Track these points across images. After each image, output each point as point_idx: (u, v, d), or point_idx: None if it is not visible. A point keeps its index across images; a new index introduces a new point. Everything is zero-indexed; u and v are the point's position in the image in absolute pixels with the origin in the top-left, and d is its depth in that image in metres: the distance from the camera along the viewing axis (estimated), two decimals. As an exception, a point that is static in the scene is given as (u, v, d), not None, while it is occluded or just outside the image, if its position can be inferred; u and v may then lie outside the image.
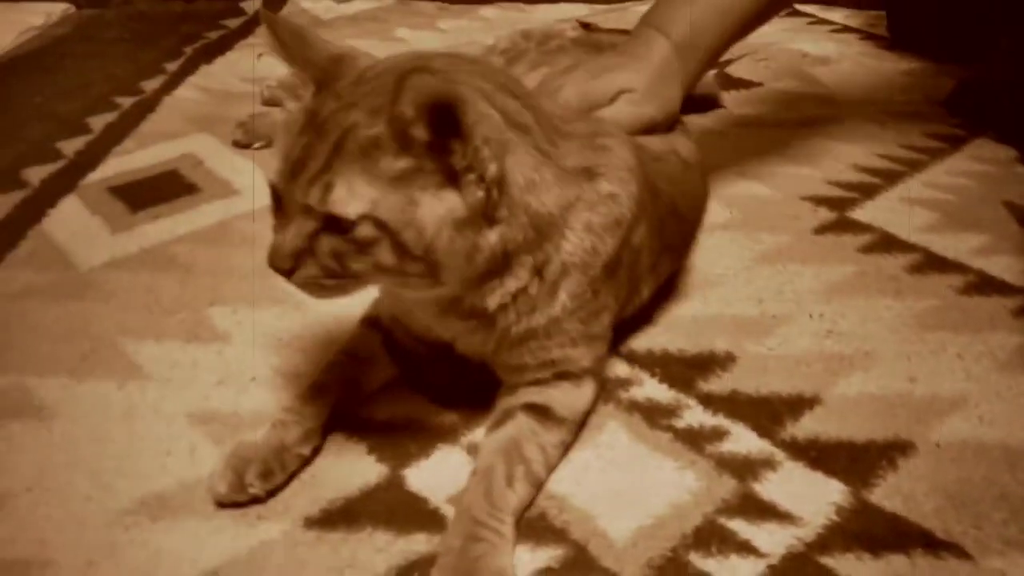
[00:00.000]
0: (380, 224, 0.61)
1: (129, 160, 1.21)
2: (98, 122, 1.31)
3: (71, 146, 1.24)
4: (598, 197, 0.72)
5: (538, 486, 0.70)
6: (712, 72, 1.35)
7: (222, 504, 0.68)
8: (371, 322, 0.81)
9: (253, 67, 1.51)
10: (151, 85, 1.44)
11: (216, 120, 1.31)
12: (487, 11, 1.84)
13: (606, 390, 0.80)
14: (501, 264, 0.68)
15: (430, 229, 0.62)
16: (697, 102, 1.27)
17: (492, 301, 0.69)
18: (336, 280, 0.64)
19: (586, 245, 0.71)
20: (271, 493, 0.69)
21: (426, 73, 0.59)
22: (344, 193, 0.60)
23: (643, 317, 0.88)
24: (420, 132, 0.60)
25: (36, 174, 1.16)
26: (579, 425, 0.75)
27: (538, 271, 0.70)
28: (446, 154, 0.61)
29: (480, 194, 0.63)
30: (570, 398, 0.75)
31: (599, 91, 0.87)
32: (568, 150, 0.71)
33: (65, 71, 1.51)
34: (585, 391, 0.76)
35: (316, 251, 0.62)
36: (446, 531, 0.66)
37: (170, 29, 1.69)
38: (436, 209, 0.62)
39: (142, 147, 1.24)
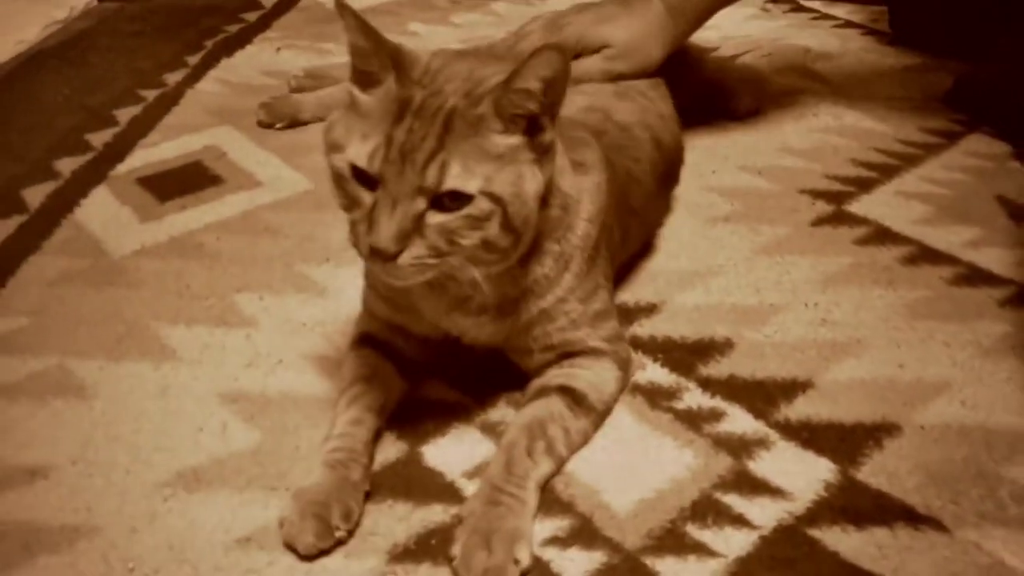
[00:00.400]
0: (495, 198, 0.66)
1: (155, 152, 1.26)
2: (124, 114, 1.36)
3: (99, 138, 1.29)
4: (592, 186, 0.79)
5: (559, 463, 0.74)
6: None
7: (308, 555, 0.67)
8: (364, 340, 0.83)
9: (276, 60, 1.56)
10: (174, 78, 1.48)
11: (238, 113, 1.36)
12: (498, 6, 1.88)
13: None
14: (533, 248, 0.74)
15: (531, 203, 0.68)
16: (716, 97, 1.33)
17: (514, 290, 0.75)
18: (434, 262, 0.66)
19: (586, 230, 0.78)
20: (350, 533, 0.69)
21: (555, 51, 0.65)
22: (461, 170, 0.64)
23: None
24: (533, 105, 0.66)
25: (67, 165, 1.21)
26: (604, 416, 0.79)
27: (558, 256, 0.76)
28: (539, 132, 0.68)
29: (551, 170, 0.71)
30: (599, 382, 0.79)
31: (592, 39, 1.00)
32: (565, 144, 0.78)
33: (90, 64, 1.55)
34: (608, 376, 0.80)
35: (424, 231, 0.65)
36: (470, 497, 0.71)
37: (190, 22, 1.73)
38: (533, 184, 0.69)
39: (167, 139, 1.29)
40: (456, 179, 0.65)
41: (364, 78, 0.68)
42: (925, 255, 1.03)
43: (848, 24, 1.75)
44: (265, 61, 1.57)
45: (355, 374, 0.79)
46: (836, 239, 1.07)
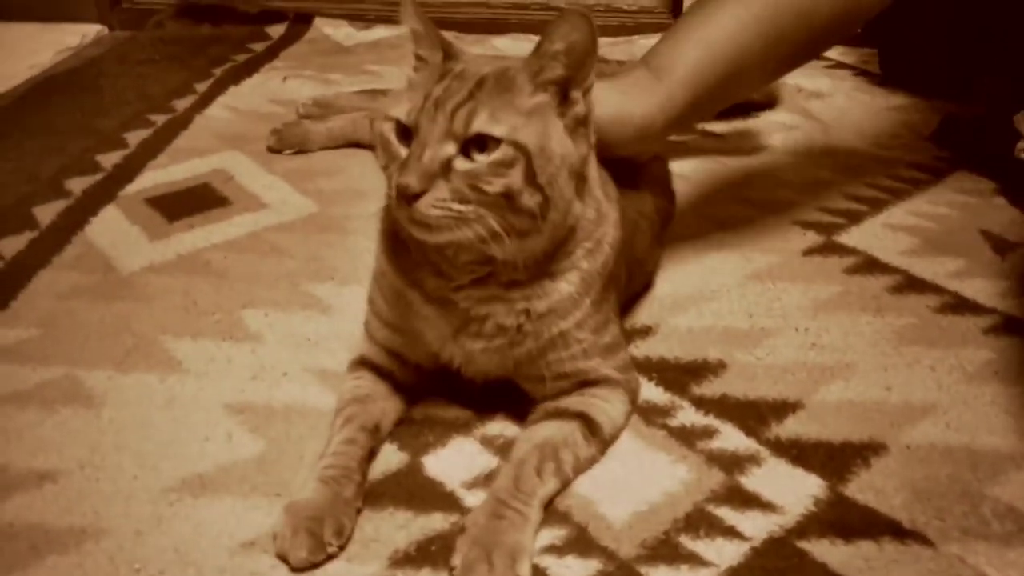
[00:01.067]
0: (519, 146, 0.69)
1: (164, 174, 1.29)
2: (134, 138, 1.39)
3: (109, 159, 1.32)
4: (615, 217, 0.82)
5: (564, 484, 0.76)
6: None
7: (300, 569, 0.68)
8: (362, 364, 0.84)
9: (282, 89, 1.60)
10: (183, 104, 1.52)
11: (245, 138, 1.40)
12: (500, 41, 1.93)
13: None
14: (564, 252, 0.77)
15: (556, 160, 0.71)
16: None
17: (541, 305, 0.77)
18: (458, 208, 0.68)
19: (608, 257, 0.80)
20: (342, 548, 0.70)
21: (579, 15, 0.69)
22: (488, 117, 0.69)
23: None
24: (559, 69, 0.71)
25: (78, 184, 1.24)
26: (610, 445, 0.81)
27: (585, 276, 0.78)
28: (570, 105, 0.73)
29: (585, 150, 0.74)
30: (615, 416, 0.81)
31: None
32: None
33: (101, 90, 1.59)
34: (621, 409, 0.82)
35: (450, 175, 0.68)
36: (474, 509, 0.73)
37: (199, 51, 1.77)
38: (561, 146, 0.72)
39: (176, 162, 1.33)
40: (483, 124, 0.68)
41: (418, 62, 0.76)
42: (912, 284, 1.06)
43: (839, 65, 1.80)
44: (272, 90, 1.61)
45: (351, 395, 0.81)
46: (826, 268, 1.10)
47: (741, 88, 1.02)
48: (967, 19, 1.55)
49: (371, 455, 0.78)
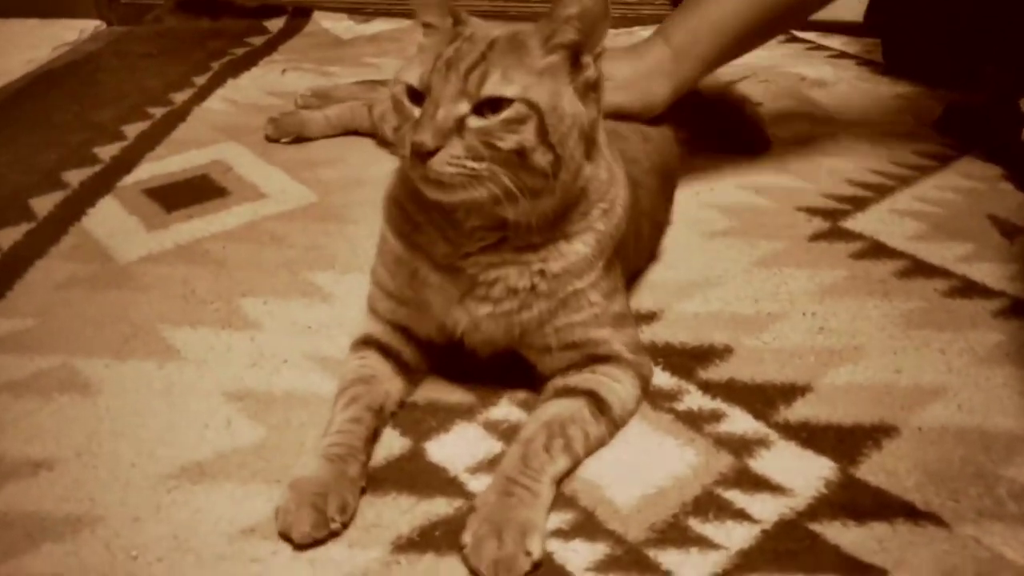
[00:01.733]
0: (531, 104, 0.70)
1: (162, 165, 1.28)
2: (132, 130, 1.38)
3: (107, 151, 1.31)
4: (622, 179, 0.82)
5: (575, 462, 0.75)
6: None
7: (303, 544, 0.67)
8: (365, 342, 0.84)
9: (281, 81, 1.59)
10: (181, 97, 1.51)
11: (244, 130, 1.38)
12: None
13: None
14: (579, 213, 0.77)
15: (567, 119, 0.72)
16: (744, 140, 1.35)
17: (556, 265, 0.76)
18: (472, 166, 0.69)
19: (620, 219, 0.80)
20: (345, 526, 0.69)
21: None
22: (500, 78, 0.69)
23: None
24: (572, 33, 0.72)
25: (76, 176, 1.23)
26: (619, 429, 0.80)
27: (600, 237, 0.78)
28: (581, 69, 0.73)
29: (595, 113, 0.75)
30: (625, 397, 0.79)
31: None
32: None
33: (99, 83, 1.58)
34: (633, 393, 0.81)
35: (464, 132, 0.69)
36: (483, 488, 0.71)
37: (198, 45, 1.76)
38: (572, 106, 0.73)
39: (174, 153, 1.31)
40: (495, 85, 0.69)
41: (427, 29, 0.76)
42: (919, 269, 1.05)
43: (842, 55, 1.79)
44: (271, 82, 1.60)
45: (355, 375, 0.81)
46: (832, 253, 1.08)
47: (740, 55, 1.15)
48: (969, 8, 1.54)
49: (375, 436, 0.77)
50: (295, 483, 0.70)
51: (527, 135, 0.70)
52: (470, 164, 0.69)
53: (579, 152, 0.74)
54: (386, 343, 0.83)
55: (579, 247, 0.78)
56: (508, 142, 0.69)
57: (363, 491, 0.72)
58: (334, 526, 0.68)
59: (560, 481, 0.73)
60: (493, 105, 0.69)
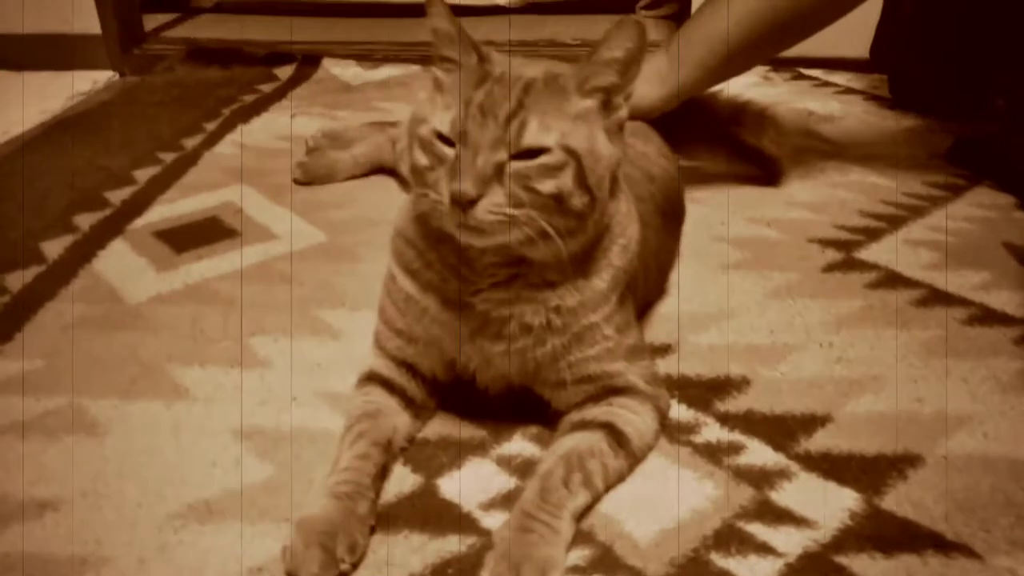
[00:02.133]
0: (570, 151, 0.69)
1: (172, 208, 1.28)
2: (143, 175, 1.39)
3: (118, 195, 1.31)
4: (635, 215, 0.82)
5: (595, 497, 0.73)
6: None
7: None
8: (371, 379, 0.83)
9: (290, 125, 1.61)
10: (192, 142, 1.52)
11: (254, 173, 1.39)
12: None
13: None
14: (601, 249, 0.77)
15: (603, 162, 0.71)
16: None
17: (572, 300, 0.75)
18: (512, 212, 0.68)
19: (633, 254, 0.79)
20: (354, 567, 0.67)
21: (637, 24, 0.70)
22: (538, 126, 0.68)
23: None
24: (612, 76, 0.71)
25: (86, 220, 1.23)
26: (638, 463, 0.78)
27: (616, 273, 0.77)
28: (613, 110, 0.73)
29: (621, 152, 0.74)
30: (644, 430, 0.78)
31: None
32: None
33: (111, 130, 1.60)
34: (651, 426, 0.79)
35: (503, 178, 0.68)
36: (501, 524, 0.69)
37: (208, 93, 1.78)
38: (606, 148, 0.73)
39: (184, 196, 1.32)
40: (535, 135, 0.68)
41: (446, 64, 0.74)
42: (937, 298, 1.04)
43: (849, 90, 1.79)
44: (281, 127, 1.61)
45: (360, 411, 0.79)
46: (847, 284, 1.07)
47: (743, 69, 1.23)
48: (975, 42, 1.54)
49: (384, 472, 0.75)
50: (302, 522, 0.68)
51: (565, 180, 0.69)
52: (510, 211, 0.68)
53: (607, 191, 0.74)
54: (391, 379, 0.82)
55: (596, 282, 0.77)
56: (547, 187, 0.69)
57: (373, 530, 0.70)
58: (343, 567, 0.66)
59: (580, 517, 0.71)
60: (531, 152, 0.68)
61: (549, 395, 0.80)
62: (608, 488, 0.74)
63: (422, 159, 0.71)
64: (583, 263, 0.76)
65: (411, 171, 0.74)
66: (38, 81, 1.84)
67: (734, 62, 1.16)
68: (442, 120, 0.70)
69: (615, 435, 0.76)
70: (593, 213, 0.72)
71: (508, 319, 0.75)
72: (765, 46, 1.19)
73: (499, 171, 0.68)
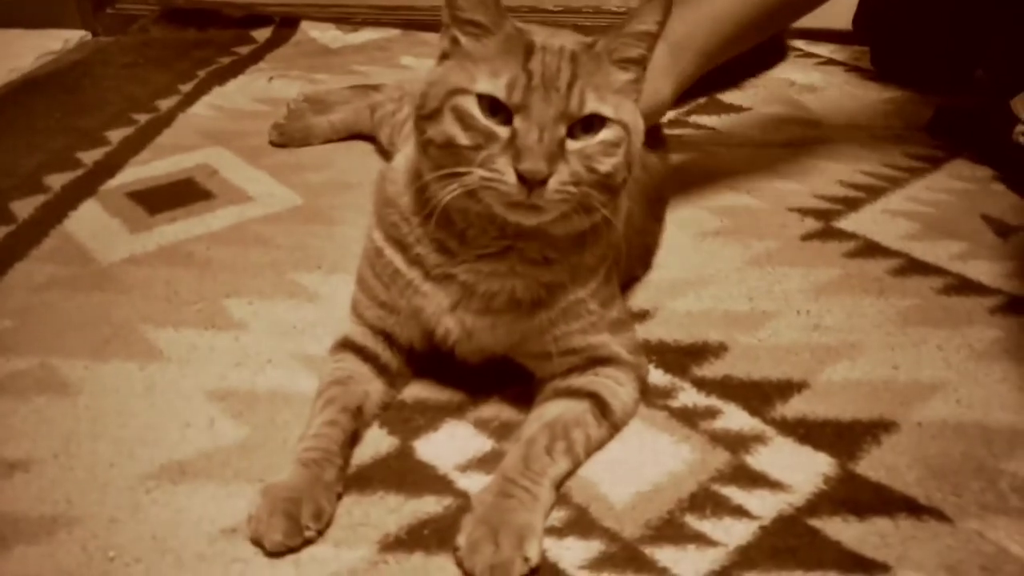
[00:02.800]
0: (623, 125, 0.69)
1: (146, 169, 1.25)
2: (116, 135, 1.35)
3: (90, 156, 1.28)
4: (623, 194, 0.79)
5: (575, 465, 0.73)
6: None
7: (275, 553, 0.64)
8: (344, 345, 0.81)
9: (268, 88, 1.58)
10: (166, 104, 1.49)
11: (230, 135, 1.36)
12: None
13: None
14: (599, 227, 0.74)
15: (639, 137, 0.70)
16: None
17: (564, 275, 0.74)
18: (574, 191, 0.66)
19: (619, 230, 0.78)
20: (320, 533, 0.66)
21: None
22: (596, 98, 0.67)
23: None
24: (643, 48, 0.70)
25: (57, 180, 1.20)
26: (618, 431, 0.78)
27: (607, 248, 0.77)
28: (638, 81, 0.72)
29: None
30: (626, 400, 0.78)
31: None
32: None
33: (83, 90, 1.56)
34: (633, 395, 0.79)
35: (567, 156, 0.66)
36: (481, 488, 0.69)
37: (183, 55, 1.74)
38: (638, 121, 0.72)
39: (158, 158, 1.29)
40: (595, 103, 0.67)
41: (471, 28, 0.69)
42: (914, 267, 1.04)
43: (831, 61, 1.78)
44: (258, 89, 1.58)
45: (331, 377, 0.78)
46: (826, 252, 1.07)
47: (741, 48, 1.09)
48: (956, 14, 1.54)
49: (354, 438, 0.74)
50: (268, 489, 0.67)
51: (620, 157, 0.68)
52: (572, 190, 0.66)
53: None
54: (365, 346, 0.81)
55: (587, 258, 0.76)
56: (606, 164, 0.68)
57: (340, 496, 0.70)
58: (308, 534, 0.66)
59: (560, 484, 0.71)
60: (587, 126, 0.67)
61: (532, 366, 0.79)
62: (588, 456, 0.74)
63: (461, 136, 0.66)
64: (582, 237, 0.74)
65: (435, 146, 0.68)
66: (6, 39, 1.78)
67: (736, 43, 1.07)
68: (495, 86, 0.66)
69: (600, 405, 0.75)
70: (624, 187, 0.72)
71: (496, 293, 0.74)
72: (769, 22, 1.09)
73: (562, 147, 0.66)
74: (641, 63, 0.71)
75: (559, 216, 0.68)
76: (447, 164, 0.68)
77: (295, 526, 0.65)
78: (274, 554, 0.65)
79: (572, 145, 0.66)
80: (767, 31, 1.10)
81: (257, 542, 0.65)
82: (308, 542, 0.66)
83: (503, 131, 0.66)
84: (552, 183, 0.65)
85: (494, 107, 0.66)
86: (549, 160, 0.64)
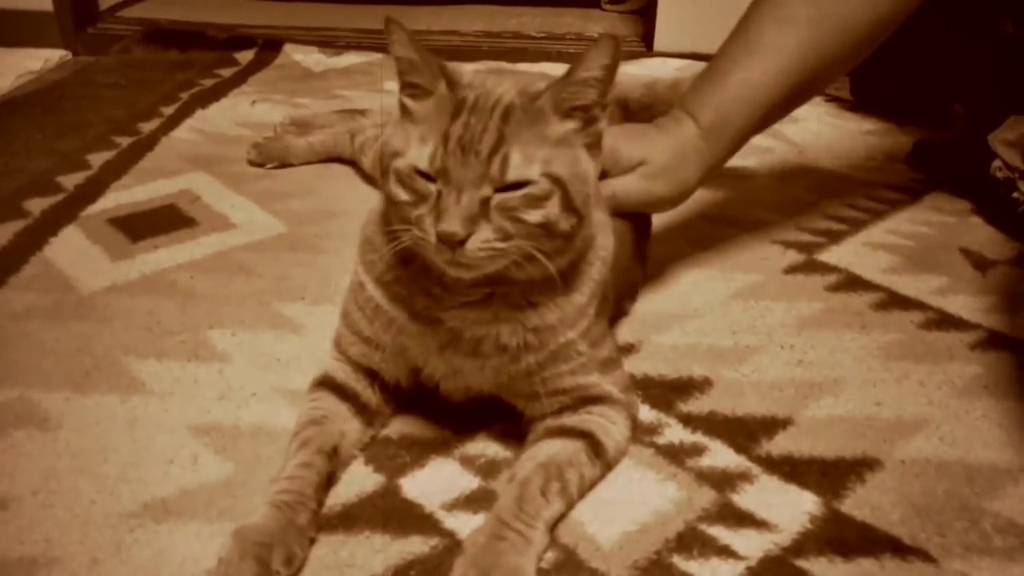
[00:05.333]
0: (554, 179, 0.67)
1: (128, 195, 1.25)
2: (97, 159, 1.35)
3: (71, 180, 1.27)
4: (607, 222, 0.81)
5: (569, 505, 0.72)
6: None
7: None
8: (322, 383, 0.80)
9: (251, 112, 1.58)
10: (148, 127, 1.48)
11: (213, 160, 1.36)
12: (472, 68, 1.91)
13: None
14: (585, 263, 0.76)
15: (590, 180, 0.70)
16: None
17: (552, 317, 0.74)
18: (502, 246, 0.67)
19: (606, 266, 0.78)
20: None
21: (614, 39, 0.68)
22: (521, 159, 0.66)
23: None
24: (593, 94, 0.69)
25: (37, 205, 1.19)
26: (612, 469, 0.77)
27: (595, 286, 0.76)
28: (592, 124, 0.70)
29: (599, 164, 0.73)
30: (619, 439, 0.77)
31: (626, 153, 0.91)
32: None
33: (63, 111, 1.55)
34: (625, 434, 0.79)
35: (490, 213, 0.66)
36: (474, 529, 0.68)
37: (166, 76, 1.74)
38: (590, 166, 0.71)
39: (140, 183, 1.28)
40: (518, 169, 0.66)
41: (413, 90, 0.71)
42: (895, 301, 1.05)
43: (810, 92, 1.81)
44: (241, 113, 1.58)
45: (306, 418, 0.77)
46: (808, 286, 1.08)
47: (766, 128, 1.02)
48: (935, 48, 1.57)
49: (329, 480, 0.74)
50: (239, 532, 0.66)
51: (552, 208, 0.68)
52: (499, 245, 0.67)
53: (591, 206, 0.73)
54: (344, 384, 0.80)
55: (576, 297, 0.75)
56: (534, 217, 0.67)
57: (313, 541, 0.69)
58: None
59: (554, 526, 0.71)
60: (517, 184, 0.67)
61: (522, 405, 0.79)
62: (582, 496, 0.74)
63: (401, 194, 0.69)
64: (566, 278, 0.74)
65: (387, 201, 0.72)
66: (-14, 58, 1.78)
67: (767, 122, 0.99)
68: (419, 156, 0.67)
69: (593, 445, 0.75)
70: (580, 231, 0.71)
71: (482, 338, 0.74)
72: (799, 99, 1.01)
73: (485, 206, 0.66)
74: (592, 109, 0.70)
75: (511, 264, 0.69)
76: (396, 219, 0.71)
77: (265, 571, 0.64)
78: None
79: (496, 199, 0.66)
80: (791, 109, 1.03)
81: None
82: None
83: (431, 191, 0.67)
84: (472, 242, 0.66)
85: (423, 173, 0.68)
86: (467, 222, 0.65)
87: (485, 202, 0.66)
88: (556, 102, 0.69)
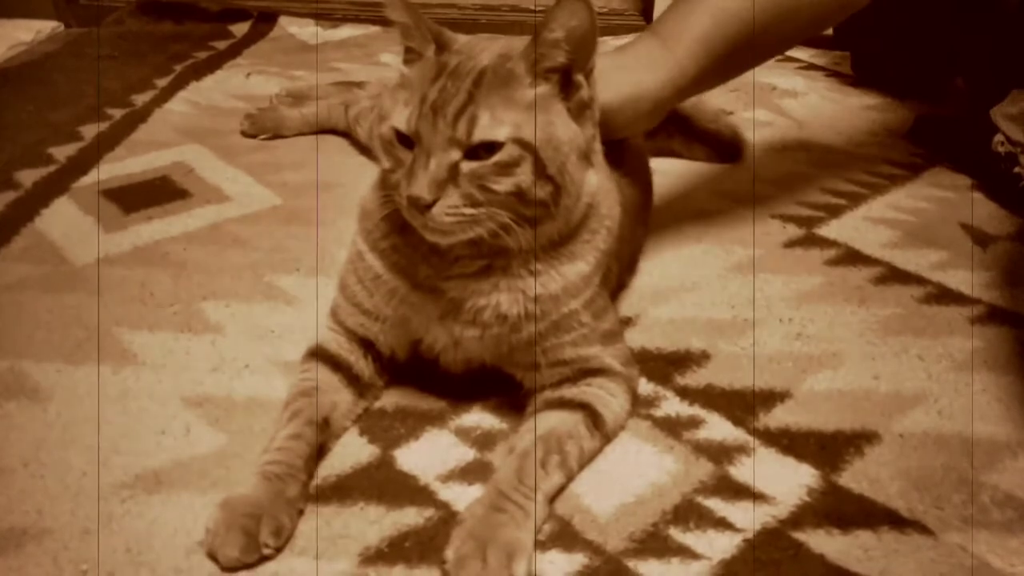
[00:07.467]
0: (523, 144, 0.66)
1: (121, 166, 1.23)
2: (89, 131, 1.33)
3: (63, 152, 1.26)
4: (615, 196, 0.80)
5: (569, 477, 0.72)
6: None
7: (229, 568, 0.63)
8: (314, 355, 0.79)
9: (245, 84, 1.56)
10: (142, 99, 1.46)
11: (206, 132, 1.34)
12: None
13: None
14: (588, 231, 0.75)
15: (564, 146, 0.68)
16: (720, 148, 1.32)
17: (554, 286, 0.73)
18: (470, 212, 0.67)
19: (610, 235, 0.77)
20: (279, 551, 0.65)
21: (579, 1, 0.66)
22: (489, 120, 0.66)
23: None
24: (561, 57, 0.68)
25: (28, 176, 1.18)
26: (611, 442, 0.77)
27: (600, 256, 0.76)
28: (574, 89, 0.69)
29: (591, 131, 0.72)
30: (619, 411, 0.77)
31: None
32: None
33: (56, 83, 1.53)
34: (625, 406, 0.78)
35: (458, 179, 0.66)
36: (473, 500, 0.68)
37: (160, 48, 1.72)
38: (567, 131, 0.69)
39: (134, 155, 1.27)
40: (485, 130, 0.66)
41: (409, 55, 0.72)
42: (895, 276, 1.04)
43: (811, 67, 1.79)
44: (235, 85, 1.56)
45: (297, 389, 0.76)
46: (808, 260, 1.07)
47: (749, 58, 0.98)
48: (936, 23, 1.55)
49: (320, 452, 0.73)
50: (227, 503, 0.65)
51: (522, 176, 0.67)
52: (468, 211, 0.66)
53: (579, 174, 0.71)
54: (337, 355, 0.79)
55: (581, 266, 0.75)
56: (504, 185, 0.67)
57: (302, 512, 0.68)
58: (266, 551, 0.64)
59: (554, 498, 0.70)
60: (486, 147, 0.66)
61: (521, 376, 0.78)
62: (582, 468, 0.73)
63: (385, 160, 0.70)
64: (565, 245, 0.73)
65: (381, 168, 0.73)
66: (-24, 29, 1.75)
67: (746, 49, 0.93)
68: (399, 118, 0.68)
69: (593, 417, 0.74)
70: (561, 199, 0.70)
71: (483, 308, 0.73)
72: (780, 29, 0.95)
73: (454, 172, 0.66)
74: (571, 72, 0.69)
75: (490, 232, 0.68)
76: (385, 185, 0.71)
77: (252, 543, 0.63)
78: (229, 569, 0.63)
79: (466, 167, 0.66)
80: (780, 41, 0.99)
81: (212, 556, 0.63)
82: (265, 559, 0.64)
83: (407, 156, 0.68)
84: (438, 207, 0.66)
85: (403, 137, 0.68)
86: (433, 186, 0.65)
87: (455, 167, 0.66)
88: (528, 64, 0.68)
